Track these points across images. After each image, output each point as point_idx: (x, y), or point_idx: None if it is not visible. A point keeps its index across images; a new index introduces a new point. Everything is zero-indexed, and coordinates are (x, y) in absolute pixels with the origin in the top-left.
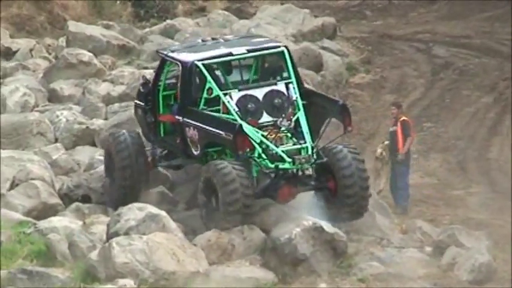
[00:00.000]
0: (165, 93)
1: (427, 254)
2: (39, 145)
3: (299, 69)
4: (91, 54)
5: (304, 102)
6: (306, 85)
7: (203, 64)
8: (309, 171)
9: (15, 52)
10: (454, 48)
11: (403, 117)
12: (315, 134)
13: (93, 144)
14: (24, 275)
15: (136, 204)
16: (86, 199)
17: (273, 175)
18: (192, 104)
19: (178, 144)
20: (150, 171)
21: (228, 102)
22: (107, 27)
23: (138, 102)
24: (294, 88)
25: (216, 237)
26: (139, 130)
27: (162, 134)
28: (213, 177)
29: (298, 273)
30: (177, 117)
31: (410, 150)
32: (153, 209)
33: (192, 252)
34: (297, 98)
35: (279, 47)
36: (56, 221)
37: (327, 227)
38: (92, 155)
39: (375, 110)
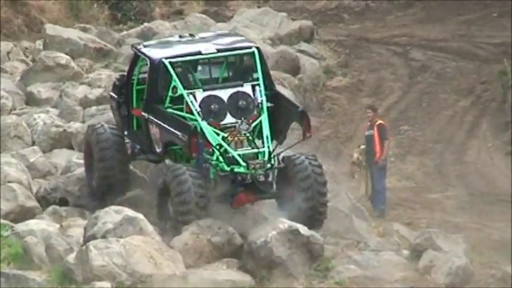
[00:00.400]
0: (138, 87)
1: (404, 257)
2: (16, 148)
3: (276, 72)
4: (68, 57)
5: (272, 104)
6: (277, 88)
7: (170, 62)
8: (269, 178)
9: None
10: (431, 51)
11: (379, 121)
12: (280, 135)
13: (71, 147)
14: (1, 277)
15: (113, 207)
16: (63, 202)
17: (231, 180)
18: (157, 102)
19: (143, 139)
20: (129, 162)
21: (191, 102)
22: (84, 30)
23: (112, 94)
24: (260, 91)
25: (193, 240)
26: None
27: (134, 128)
28: (167, 179)
29: (275, 276)
30: (142, 113)
31: (387, 153)
32: (130, 212)
33: (169, 255)
34: (262, 100)
35: (251, 47)
36: (33, 223)
37: (303, 229)
38: (69, 158)
39: (352, 113)
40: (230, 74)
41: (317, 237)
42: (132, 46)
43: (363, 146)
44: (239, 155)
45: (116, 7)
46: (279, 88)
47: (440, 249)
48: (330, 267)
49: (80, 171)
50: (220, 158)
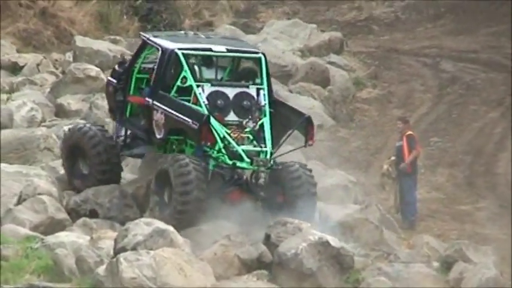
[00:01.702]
0: (138, 75)
1: (434, 269)
2: (46, 160)
3: (306, 83)
4: (98, 69)
5: (272, 110)
6: (275, 96)
7: (183, 53)
8: (261, 181)
9: (22, 67)
10: (461, 63)
11: (409, 132)
12: (276, 142)
13: None
14: None
15: (143, 220)
16: (93, 214)
17: (227, 178)
18: (164, 89)
19: (141, 126)
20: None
21: (200, 94)
22: (114, 42)
23: (110, 79)
24: (264, 95)
25: (222, 250)
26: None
27: (127, 114)
28: (168, 168)
29: (305, 287)
30: (147, 99)
31: (417, 164)
32: (161, 224)
33: (199, 267)
34: (265, 104)
35: (258, 53)
36: (63, 236)
37: (333, 241)
38: None
39: (382, 125)
40: (234, 74)
41: (347, 248)
42: (141, 34)
43: (393, 158)
44: (243, 150)
45: (146, 19)
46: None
47: (471, 261)
48: (360, 279)
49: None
50: (223, 151)
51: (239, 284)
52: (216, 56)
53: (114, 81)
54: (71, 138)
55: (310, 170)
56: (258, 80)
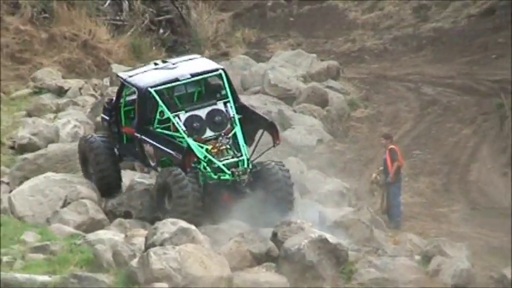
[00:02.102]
0: (125, 108)
1: (416, 262)
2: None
3: (307, 104)
4: None
5: (240, 116)
6: (241, 101)
7: (155, 91)
8: (246, 180)
9: (67, 90)
10: (439, 87)
11: (391, 146)
12: (250, 140)
13: (133, 169)
14: (75, 279)
15: (170, 220)
16: (127, 215)
17: (215, 185)
18: (147, 124)
19: (137, 153)
20: (119, 163)
21: (177, 123)
22: None
23: (103, 116)
24: (231, 107)
25: (236, 246)
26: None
27: (124, 142)
28: (168, 181)
29: (307, 278)
30: (136, 134)
31: (401, 173)
32: (184, 224)
33: (217, 260)
34: (234, 115)
35: (218, 70)
36: (102, 233)
37: (331, 238)
38: (132, 178)
39: (373, 140)
40: (202, 94)
41: (342, 244)
42: (117, 76)
43: (381, 168)
44: (224, 164)
45: (172, 49)
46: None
47: (447, 255)
48: (353, 270)
49: (141, 188)
50: (208, 168)
51: (250, 274)
52: (184, 84)
53: (107, 117)
54: (82, 146)
55: (284, 165)
56: (223, 92)
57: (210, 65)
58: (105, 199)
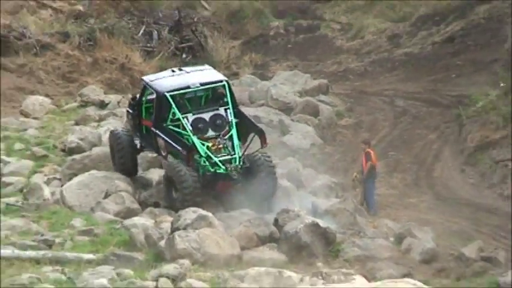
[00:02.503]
0: (146, 105)
1: (391, 242)
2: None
3: (302, 115)
4: None
5: (238, 120)
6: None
7: (170, 95)
8: (240, 169)
9: (108, 104)
10: (410, 100)
11: (367, 150)
12: (243, 140)
13: (161, 167)
14: (114, 257)
15: (191, 209)
16: (156, 205)
17: (212, 175)
18: (162, 121)
19: (153, 143)
20: (139, 154)
21: (185, 123)
22: None
23: (128, 109)
24: (230, 113)
25: (245, 230)
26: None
27: (144, 132)
28: (172, 175)
29: (302, 255)
30: (152, 128)
31: (377, 172)
32: (203, 212)
33: (230, 241)
34: (231, 119)
35: (222, 81)
36: (136, 219)
37: (322, 223)
38: (160, 174)
39: (355, 144)
40: (209, 98)
41: (331, 228)
42: (141, 79)
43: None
44: (220, 160)
45: None
46: (305, 126)
47: (416, 237)
48: (340, 249)
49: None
50: (207, 162)
51: (256, 252)
52: (194, 91)
53: (131, 110)
54: (110, 139)
55: (269, 156)
56: (225, 99)
57: (217, 76)
58: (138, 192)
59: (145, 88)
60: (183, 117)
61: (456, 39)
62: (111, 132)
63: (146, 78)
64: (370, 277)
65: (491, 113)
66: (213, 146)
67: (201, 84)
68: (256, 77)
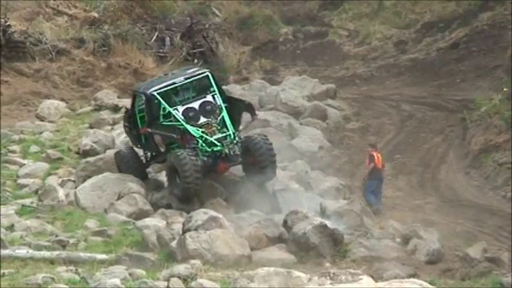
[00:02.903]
0: (140, 115)
1: (397, 243)
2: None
3: (311, 118)
4: None
5: (227, 105)
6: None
7: (157, 93)
8: (237, 152)
9: (121, 108)
10: (415, 105)
11: (371, 153)
12: (236, 123)
13: None
14: (127, 257)
15: (202, 210)
16: (168, 206)
17: (211, 158)
18: (155, 119)
19: (152, 146)
20: (146, 167)
21: (176, 114)
22: None
23: (125, 123)
24: (218, 98)
25: (255, 231)
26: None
27: (143, 141)
28: (173, 161)
29: (311, 256)
30: (147, 129)
31: (380, 174)
32: (214, 213)
33: (239, 241)
34: (220, 104)
35: (205, 72)
36: (148, 221)
37: (330, 224)
38: None
39: (362, 147)
40: (196, 91)
41: (339, 229)
42: (132, 90)
43: None
44: (215, 139)
45: None
46: (313, 129)
47: (422, 238)
48: (347, 249)
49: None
50: (203, 144)
51: (266, 253)
52: (180, 86)
53: (127, 124)
54: (116, 160)
55: (267, 138)
56: (212, 89)
57: (200, 70)
58: (151, 193)
59: (136, 96)
60: (173, 109)
61: (460, 45)
62: (116, 153)
63: (135, 87)
64: (377, 277)
65: (494, 117)
66: (207, 129)
67: (185, 79)
68: (266, 81)
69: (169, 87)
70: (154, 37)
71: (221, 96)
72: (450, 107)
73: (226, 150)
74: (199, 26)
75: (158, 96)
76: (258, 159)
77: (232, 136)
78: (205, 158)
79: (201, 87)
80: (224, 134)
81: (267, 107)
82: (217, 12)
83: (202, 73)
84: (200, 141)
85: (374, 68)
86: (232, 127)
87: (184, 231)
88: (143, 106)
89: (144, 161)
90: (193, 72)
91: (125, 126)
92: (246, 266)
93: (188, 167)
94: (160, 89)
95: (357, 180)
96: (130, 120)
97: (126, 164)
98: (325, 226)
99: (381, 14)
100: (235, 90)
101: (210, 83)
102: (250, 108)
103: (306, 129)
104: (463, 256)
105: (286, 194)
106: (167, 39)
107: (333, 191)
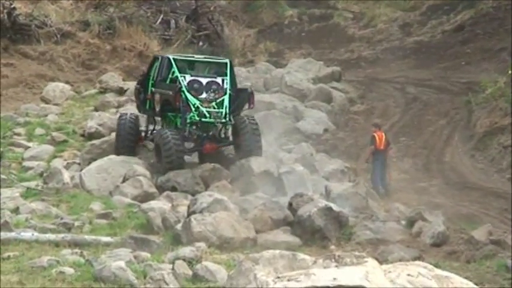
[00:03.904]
0: (152, 81)
1: (402, 226)
2: (142, 153)
3: (316, 101)
4: None
5: (235, 95)
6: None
7: (173, 58)
8: (228, 134)
9: (126, 90)
10: (420, 87)
11: (373, 133)
12: (237, 111)
13: None
14: (132, 240)
15: (207, 192)
16: (173, 189)
17: (199, 136)
18: (162, 81)
19: (152, 110)
20: (141, 143)
21: (182, 80)
22: None
23: (137, 85)
24: (226, 82)
25: (260, 213)
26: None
27: (147, 107)
28: (157, 141)
29: (316, 238)
30: (152, 89)
31: (379, 155)
32: (219, 196)
33: (245, 224)
34: (226, 88)
35: (225, 60)
36: (153, 203)
37: (335, 207)
38: None
39: (367, 129)
40: (211, 71)
41: (344, 212)
42: (136, 72)
43: None
44: (207, 111)
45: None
46: (318, 112)
47: (427, 220)
48: (352, 232)
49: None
50: (195, 112)
51: (271, 235)
52: (196, 61)
53: (139, 86)
54: (119, 120)
55: (254, 119)
56: (223, 74)
57: (221, 58)
58: (156, 176)
59: (154, 61)
60: (180, 76)
61: (465, 27)
62: (121, 115)
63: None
64: (382, 260)
65: (499, 100)
66: (204, 103)
67: (205, 57)
68: (271, 64)
69: (186, 58)
70: (160, 20)
71: (231, 85)
72: (455, 89)
73: (219, 127)
74: (204, 8)
75: (172, 61)
76: (243, 141)
77: (223, 114)
78: (191, 122)
79: (216, 71)
80: (217, 110)
81: (272, 89)
82: None
83: (222, 59)
84: (193, 110)
85: (379, 51)
86: (228, 109)
87: (189, 214)
88: (159, 79)
89: (142, 135)
90: (216, 57)
91: (136, 88)
92: (251, 249)
93: (168, 146)
94: (177, 56)
95: (362, 162)
96: (143, 84)
97: (124, 130)
98: (330, 209)
99: None
100: (240, 73)
101: (226, 70)
102: (251, 96)
103: (311, 111)
104: (468, 239)
105: (291, 177)
106: (172, 21)
107: (338, 174)
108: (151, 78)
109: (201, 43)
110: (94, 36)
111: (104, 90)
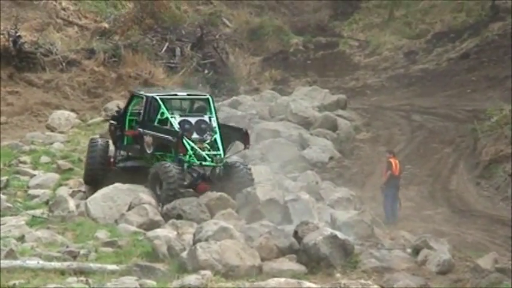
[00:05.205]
0: (130, 117)
1: (407, 254)
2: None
3: (321, 129)
4: None
5: (221, 131)
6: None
7: (160, 98)
8: (221, 174)
9: None
10: (426, 115)
11: (389, 159)
12: (226, 149)
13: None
14: (137, 268)
15: (213, 221)
16: (179, 217)
17: (195, 175)
18: (150, 122)
19: (135, 148)
20: (111, 167)
21: (173, 122)
22: None
23: (112, 121)
24: (213, 120)
25: (266, 241)
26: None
27: (125, 142)
28: (157, 170)
29: (321, 266)
30: (139, 129)
31: (395, 182)
32: (224, 224)
33: (250, 252)
34: (215, 126)
35: (206, 95)
36: (159, 231)
37: (340, 235)
38: None
39: (372, 157)
40: (194, 109)
41: (349, 240)
42: (129, 91)
43: None
44: (207, 154)
45: (214, 86)
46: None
47: (432, 248)
48: (358, 260)
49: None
50: (193, 156)
51: (276, 263)
52: (180, 99)
53: (114, 122)
54: (89, 144)
55: (248, 165)
56: (208, 112)
57: (202, 93)
58: (161, 204)
59: (132, 98)
60: (171, 117)
61: (471, 55)
62: (92, 139)
63: (134, 90)
64: None
65: (505, 128)
66: (197, 145)
67: (187, 94)
68: (276, 92)
69: (170, 96)
70: (165, 48)
71: (217, 120)
72: (461, 117)
73: (217, 170)
74: (209, 36)
75: (160, 101)
76: (237, 184)
77: (222, 155)
78: (189, 166)
79: (199, 107)
80: (215, 153)
81: (277, 117)
82: (227, 22)
83: (203, 94)
84: (190, 153)
85: (384, 79)
86: (223, 150)
87: (195, 242)
88: (137, 109)
89: (111, 160)
90: (196, 92)
91: (110, 123)
92: (256, 277)
93: (172, 179)
94: (162, 95)
95: (367, 190)
96: (119, 120)
97: (94, 153)
98: (336, 237)
99: (391, 24)
100: (245, 101)
101: (209, 106)
102: (245, 136)
103: (317, 139)
104: (473, 267)
105: (297, 205)
106: (177, 49)
107: (344, 202)
108: (128, 115)
109: (206, 71)
110: (99, 64)
111: (109, 118)
